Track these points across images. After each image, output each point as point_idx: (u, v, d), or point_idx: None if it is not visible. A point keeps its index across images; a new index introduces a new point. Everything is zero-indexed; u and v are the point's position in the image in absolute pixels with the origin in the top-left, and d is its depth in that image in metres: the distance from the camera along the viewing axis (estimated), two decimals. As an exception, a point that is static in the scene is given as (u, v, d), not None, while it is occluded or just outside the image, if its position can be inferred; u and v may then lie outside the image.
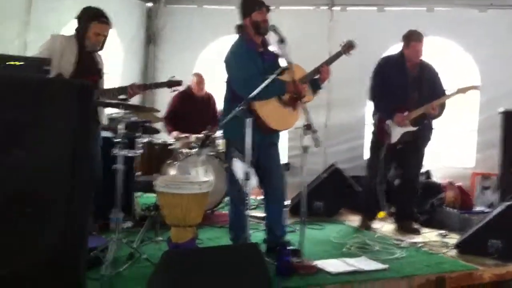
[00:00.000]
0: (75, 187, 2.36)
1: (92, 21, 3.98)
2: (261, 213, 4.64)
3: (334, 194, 5.72)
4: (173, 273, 2.44)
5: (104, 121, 4.14)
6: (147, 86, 4.53)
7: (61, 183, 2.30)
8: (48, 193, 2.28)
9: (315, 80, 4.08)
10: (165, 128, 5.93)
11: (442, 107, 5.00)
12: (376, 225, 5.24)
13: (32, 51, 4.63)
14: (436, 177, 6.10)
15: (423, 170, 5.85)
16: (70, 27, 5.56)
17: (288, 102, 3.94)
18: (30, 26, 5.43)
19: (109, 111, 4.33)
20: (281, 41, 3.65)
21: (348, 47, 4.14)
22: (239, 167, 3.76)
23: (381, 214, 5.45)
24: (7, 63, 2.55)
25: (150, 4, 7.62)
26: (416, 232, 5.06)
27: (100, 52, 4.18)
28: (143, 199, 5.69)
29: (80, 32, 4.00)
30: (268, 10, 3.96)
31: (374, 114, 5.32)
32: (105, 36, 4.08)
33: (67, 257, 2.40)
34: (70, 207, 2.36)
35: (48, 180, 2.27)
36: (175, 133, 5.79)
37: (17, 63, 2.58)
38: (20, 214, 2.20)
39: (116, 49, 6.60)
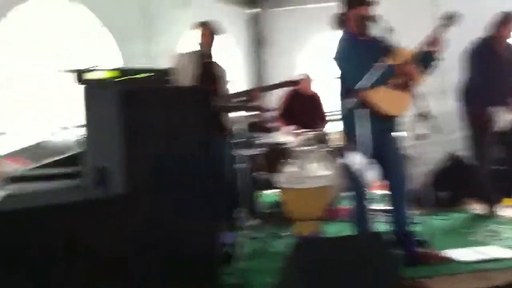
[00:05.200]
0: (207, 168, 2.96)
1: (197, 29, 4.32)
2: (384, 206, 4.60)
3: (457, 183, 5.52)
4: (303, 262, 2.55)
5: (231, 126, 4.29)
6: (268, 88, 4.70)
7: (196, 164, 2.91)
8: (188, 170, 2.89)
9: (429, 53, 3.83)
10: (279, 125, 6.09)
11: None
12: (502, 212, 5.01)
13: (157, 64, 5.01)
14: None
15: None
16: (187, 38, 5.96)
17: (397, 86, 3.82)
18: (153, 42, 5.89)
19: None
20: (387, 30, 3.60)
21: (449, 18, 3.72)
22: (357, 161, 3.80)
23: (507, 200, 5.21)
24: (136, 75, 2.85)
25: (255, 11, 8.04)
26: None
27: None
28: (264, 197, 5.87)
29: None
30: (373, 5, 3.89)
31: (464, 104, 5.13)
32: (207, 36, 4.31)
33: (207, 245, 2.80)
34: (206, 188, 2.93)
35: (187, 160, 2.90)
36: (286, 128, 5.93)
37: (145, 75, 2.87)
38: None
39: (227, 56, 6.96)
